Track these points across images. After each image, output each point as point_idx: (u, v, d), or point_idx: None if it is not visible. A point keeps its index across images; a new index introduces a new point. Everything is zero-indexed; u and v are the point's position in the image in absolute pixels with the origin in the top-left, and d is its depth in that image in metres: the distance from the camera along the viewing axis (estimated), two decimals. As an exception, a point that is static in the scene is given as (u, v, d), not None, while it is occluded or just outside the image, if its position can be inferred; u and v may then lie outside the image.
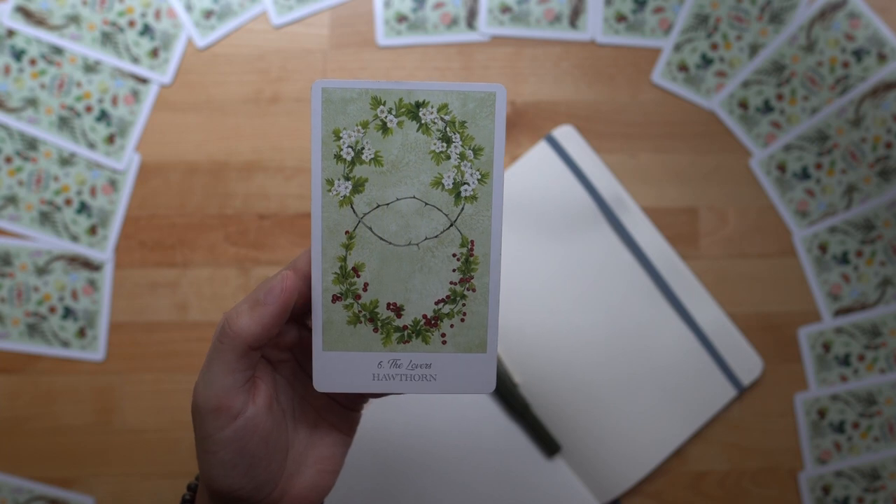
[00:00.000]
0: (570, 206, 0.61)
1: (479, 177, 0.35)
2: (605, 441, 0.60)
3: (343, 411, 0.38)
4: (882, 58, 0.62)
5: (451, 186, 0.35)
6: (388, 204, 0.35)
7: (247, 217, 0.61)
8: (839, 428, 0.61)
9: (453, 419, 0.60)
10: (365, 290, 0.35)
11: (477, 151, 0.35)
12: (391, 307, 0.35)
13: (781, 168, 0.62)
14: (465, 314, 0.36)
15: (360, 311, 0.35)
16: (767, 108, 0.62)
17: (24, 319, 0.61)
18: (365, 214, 0.35)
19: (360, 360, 0.36)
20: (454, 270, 0.35)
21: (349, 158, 0.34)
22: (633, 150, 0.62)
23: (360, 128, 0.34)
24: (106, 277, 0.61)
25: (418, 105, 0.34)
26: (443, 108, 0.34)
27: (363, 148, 0.34)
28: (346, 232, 0.35)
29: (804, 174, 0.62)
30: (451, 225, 0.35)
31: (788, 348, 0.62)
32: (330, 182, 0.34)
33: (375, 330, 0.36)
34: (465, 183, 0.35)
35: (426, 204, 0.35)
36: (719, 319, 0.61)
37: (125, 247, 0.61)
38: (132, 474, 0.61)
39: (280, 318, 0.33)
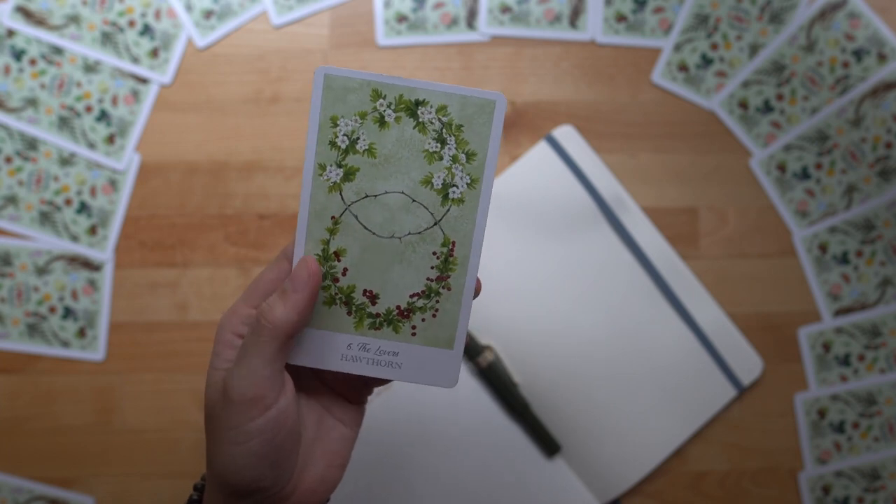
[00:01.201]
0: (570, 206, 0.61)
1: (469, 181, 0.35)
2: (605, 441, 0.60)
3: (347, 405, 0.39)
4: (882, 58, 0.62)
5: (439, 187, 0.35)
6: (376, 196, 0.35)
7: (247, 217, 0.61)
8: (839, 428, 0.61)
9: (453, 419, 0.60)
10: (344, 274, 0.36)
11: (470, 156, 0.35)
12: (367, 294, 0.36)
13: (781, 168, 0.62)
14: (437, 310, 0.36)
15: (336, 294, 0.36)
16: (767, 108, 0.62)
17: (24, 319, 0.61)
18: (352, 203, 0.35)
19: (332, 340, 0.36)
20: (432, 268, 0.36)
21: (343, 146, 0.35)
22: (633, 150, 0.62)
23: (357, 118, 0.35)
24: (106, 277, 0.61)
25: (418, 103, 0.35)
26: (441, 109, 0.35)
27: (358, 138, 0.35)
28: (332, 217, 0.35)
29: (804, 174, 0.62)
30: (436, 224, 0.36)
31: (788, 348, 0.62)
32: (322, 167, 0.35)
33: (349, 313, 0.36)
34: (454, 185, 0.35)
35: (413, 200, 0.35)
36: (719, 319, 0.61)
37: (125, 247, 0.61)
38: (132, 474, 0.61)
39: (312, 301, 0.34)
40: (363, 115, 0.35)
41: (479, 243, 0.36)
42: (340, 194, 0.35)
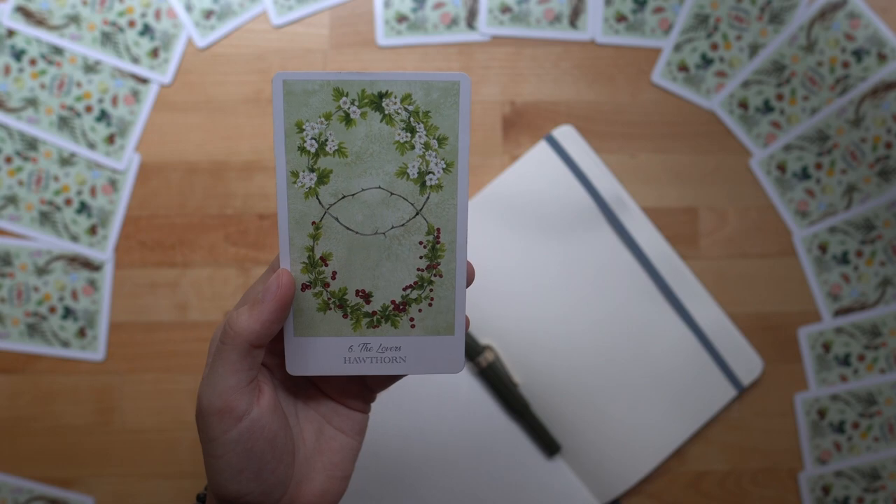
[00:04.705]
0: (570, 206, 0.61)
1: (444, 166, 0.35)
2: (605, 441, 0.60)
3: (349, 413, 0.38)
4: (882, 58, 0.62)
5: (416, 176, 0.35)
6: (353, 194, 0.35)
7: (247, 217, 0.61)
8: (839, 428, 0.61)
9: (453, 419, 0.60)
10: (333, 278, 0.36)
11: (441, 141, 0.35)
12: (360, 294, 0.36)
13: (781, 168, 0.62)
14: (432, 299, 0.36)
15: (329, 299, 0.36)
16: (767, 108, 0.62)
17: (24, 319, 0.61)
18: (331, 205, 0.35)
19: (331, 345, 0.36)
20: (421, 257, 0.36)
21: (313, 150, 0.35)
22: (633, 150, 0.62)
23: (323, 119, 0.34)
24: (106, 277, 0.61)
25: (381, 95, 0.34)
26: (406, 98, 0.34)
27: (327, 139, 0.34)
28: (313, 223, 0.35)
29: (804, 174, 0.62)
30: (417, 213, 0.35)
31: (788, 348, 0.62)
32: (295, 174, 0.35)
33: (345, 316, 0.36)
34: (429, 172, 0.35)
35: (392, 194, 0.35)
36: (719, 319, 0.61)
37: (125, 247, 0.61)
38: (132, 474, 0.61)
39: (279, 313, 0.34)
40: (328, 116, 0.34)
41: (465, 226, 0.36)
42: (317, 198, 0.35)
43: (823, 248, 0.62)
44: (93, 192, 0.61)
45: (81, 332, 0.61)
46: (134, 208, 0.61)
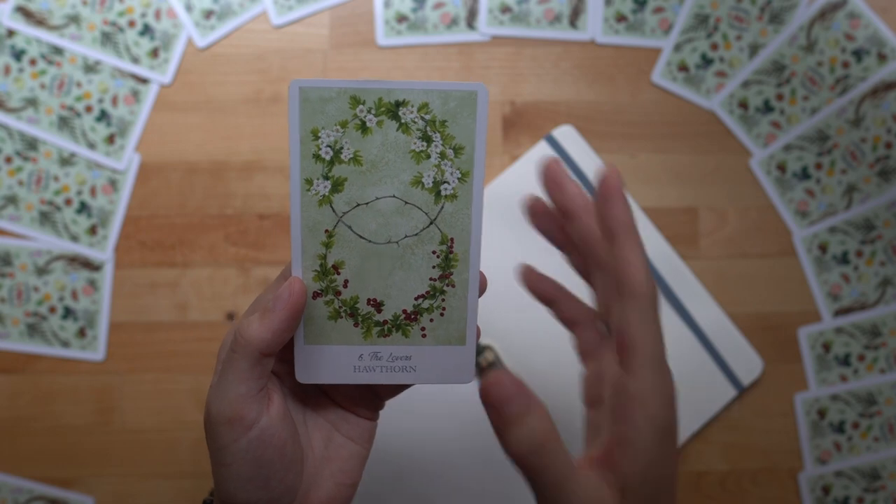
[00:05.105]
0: (570, 206, 0.61)
1: (460, 175, 0.35)
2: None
3: (357, 421, 0.38)
4: (882, 58, 0.62)
5: (431, 185, 0.35)
6: (367, 203, 0.35)
7: (247, 217, 0.61)
8: (839, 428, 0.61)
9: (453, 419, 0.60)
10: (345, 286, 0.36)
11: (457, 150, 0.35)
12: (371, 303, 0.36)
13: (781, 168, 0.62)
14: (444, 309, 0.36)
15: (340, 307, 0.36)
16: (767, 108, 0.62)
17: (24, 319, 0.61)
18: (344, 213, 0.35)
19: (342, 353, 0.36)
20: (434, 267, 0.36)
21: (328, 158, 0.34)
22: (633, 150, 0.62)
23: (338, 127, 0.34)
24: (106, 277, 0.61)
25: (398, 104, 0.34)
26: (423, 107, 0.34)
27: (342, 147, 0.34)
28: (326, 231, 0.35)
29: (804, 174, 0.62)
30: (431, 223, 0.35)
31: (788, 348, 0.62)
32: (309, 181, 0.35)
33: (356, 325, 0.36)
34: (445, 182, 0.35)
35: (406, 203, 0.35)
36: (719, 319, 0.61)
37: (125, 247, 0.61)
38: (132, 474, 0.61)
39: (290, 322, 0.33)
40: (344, 124, 0.34)
41: (478, 236, 0.35)
42: (331, 206, 0.35)
43: (823, 248, 0.62)
44: (93, 192, 0.61)
45: (81, 332, 0.61)
46: (134, 208, 0.61)
